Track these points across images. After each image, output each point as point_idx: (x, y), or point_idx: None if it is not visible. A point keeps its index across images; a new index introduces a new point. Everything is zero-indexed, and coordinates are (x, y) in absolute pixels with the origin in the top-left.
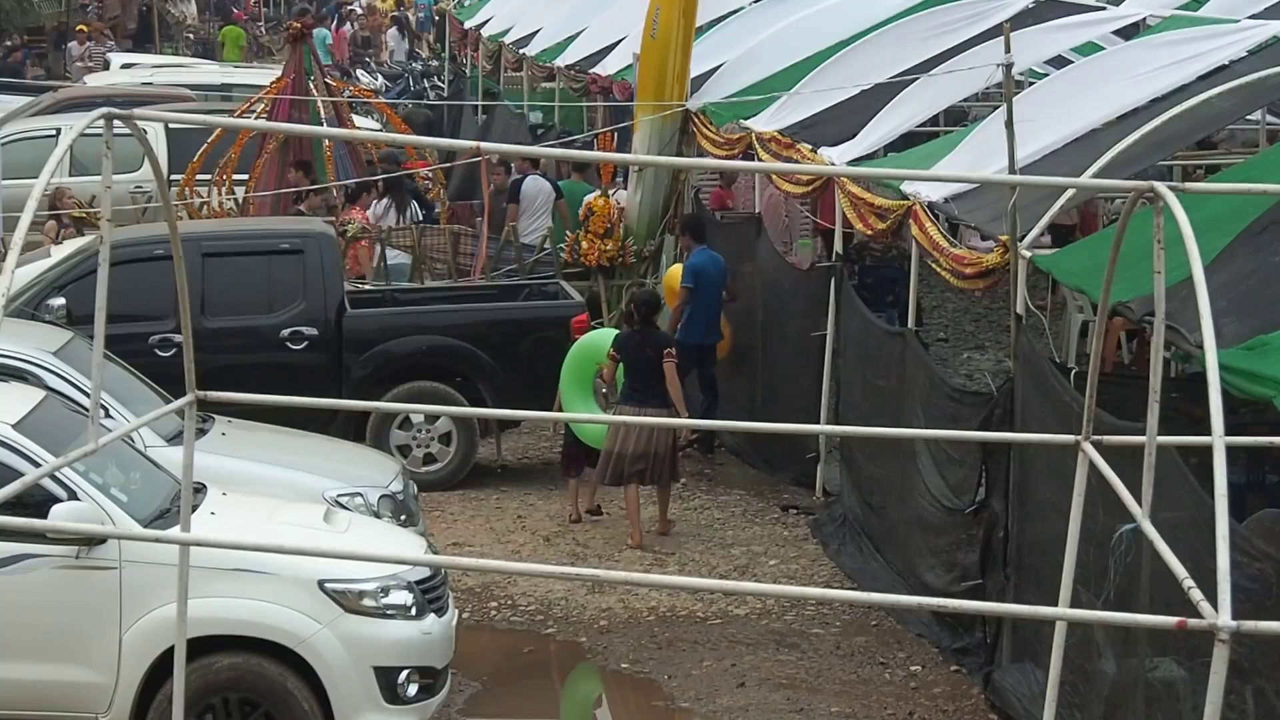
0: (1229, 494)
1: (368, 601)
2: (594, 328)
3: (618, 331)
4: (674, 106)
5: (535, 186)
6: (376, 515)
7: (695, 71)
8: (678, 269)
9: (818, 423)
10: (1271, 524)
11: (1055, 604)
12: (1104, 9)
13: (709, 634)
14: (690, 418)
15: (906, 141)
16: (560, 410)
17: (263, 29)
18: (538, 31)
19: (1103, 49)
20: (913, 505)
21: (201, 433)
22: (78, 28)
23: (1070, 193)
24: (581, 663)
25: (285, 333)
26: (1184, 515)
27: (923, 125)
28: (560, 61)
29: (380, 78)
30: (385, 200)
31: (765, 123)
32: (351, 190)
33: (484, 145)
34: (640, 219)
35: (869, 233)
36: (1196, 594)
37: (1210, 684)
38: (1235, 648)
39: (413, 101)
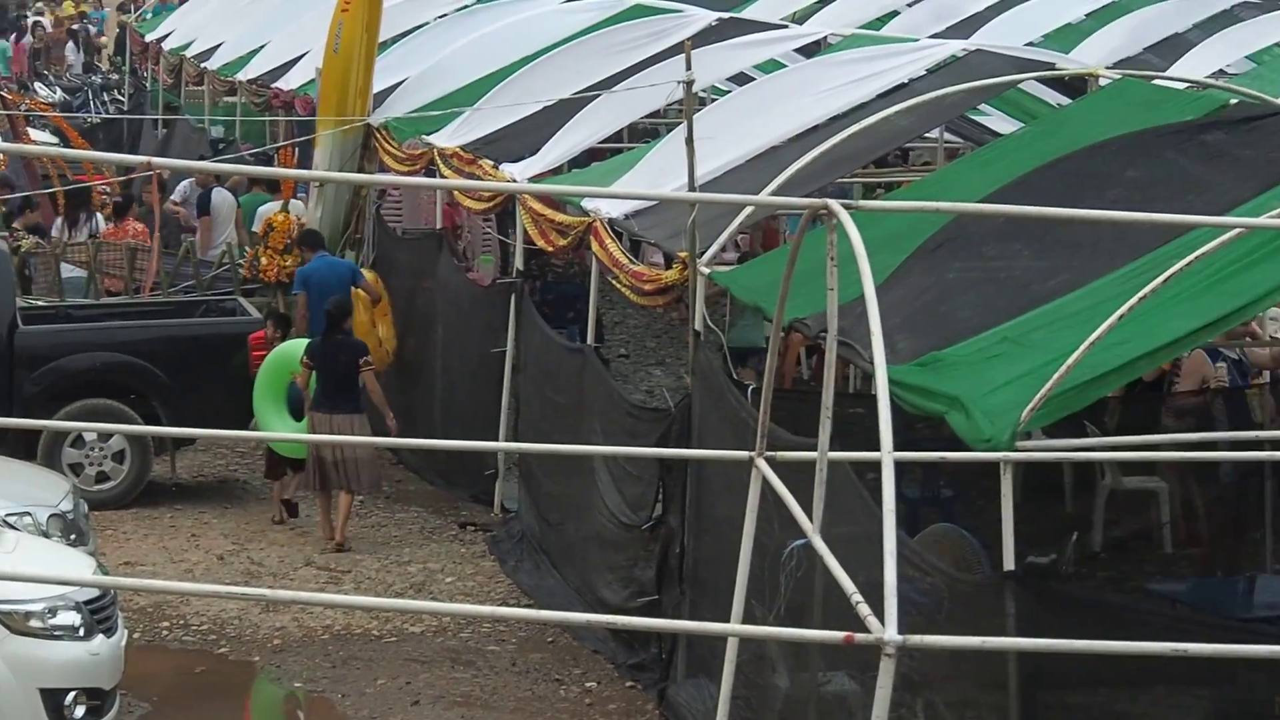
0: (903, 509)
1: (34, 622)
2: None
3: (310, 340)
4: (356, 121)
5: (221, 198)
6: (45, 534)
7: (378, 86)
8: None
9: (497, 439)
10: (943, 538)
11: (729, 619)
12: (786, 27)
13: (384, 652)
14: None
15: (590, 157)
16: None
17: None
18: (220, 45)
19: (784, 66)
20: (591, 522)
21: None
22: None
23: (749, 210)
24: (255, 682)
25: None
26: (859, 530)
27: (607, 141)
28: (242, 75)
29: (60, 91)
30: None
31: (448, 138)
32: (118, 206)
33: (155, 160)
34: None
35: (550, 249)
36: (864, 609)
37: (876, 697)
38: (906, 661)
39: (86, 116)
